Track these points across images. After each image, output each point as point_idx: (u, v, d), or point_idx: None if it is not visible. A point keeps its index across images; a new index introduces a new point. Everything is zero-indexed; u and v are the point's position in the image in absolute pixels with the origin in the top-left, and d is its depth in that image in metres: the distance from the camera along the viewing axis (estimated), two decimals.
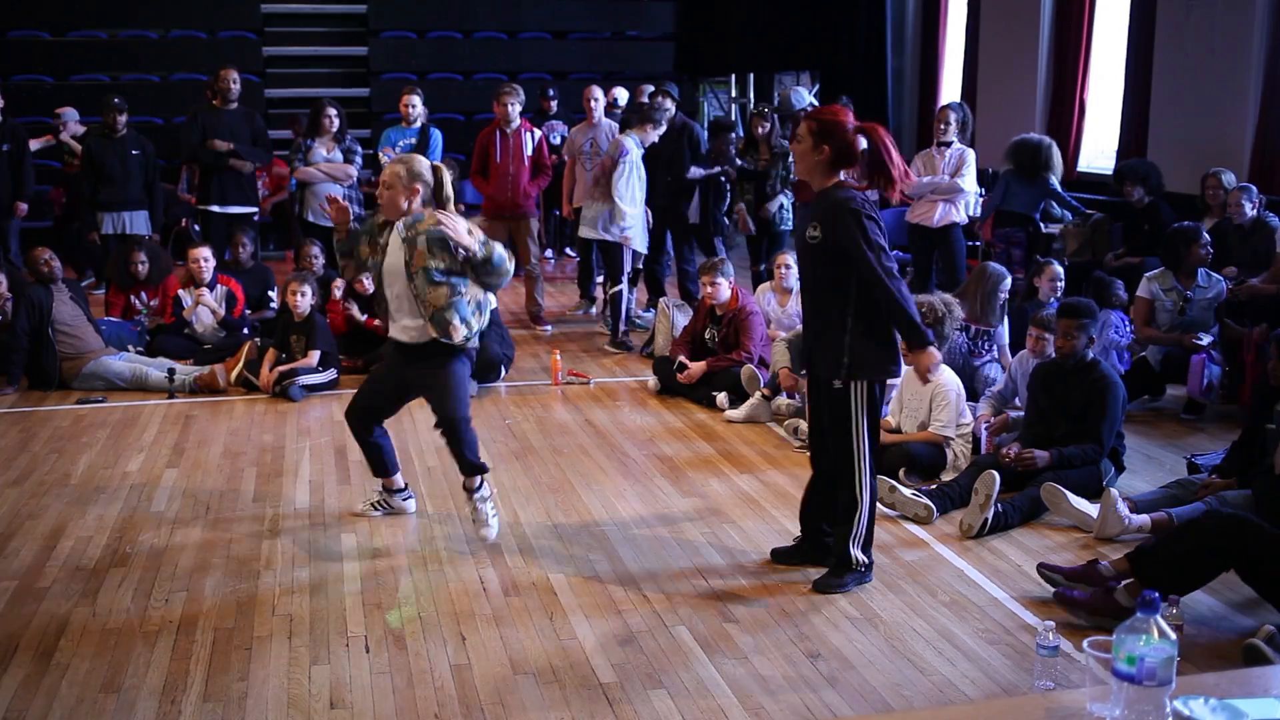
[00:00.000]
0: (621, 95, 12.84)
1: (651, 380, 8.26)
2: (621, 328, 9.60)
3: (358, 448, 6.70)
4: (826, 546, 5.07)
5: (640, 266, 10.12)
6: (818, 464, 5.12)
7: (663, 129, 9.58)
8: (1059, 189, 9.81)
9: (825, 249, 4.71)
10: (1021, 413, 6.48)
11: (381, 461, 5.73)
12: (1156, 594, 2.25)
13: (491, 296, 5.48)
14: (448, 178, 5.40)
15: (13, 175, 10.66)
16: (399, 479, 5.83)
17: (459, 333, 5.26)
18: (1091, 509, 5.50)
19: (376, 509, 5.81)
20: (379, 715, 3.94)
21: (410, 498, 5.86)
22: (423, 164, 5.36)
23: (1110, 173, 10.10)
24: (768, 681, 4.15)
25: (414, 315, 5.31)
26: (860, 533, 4.90)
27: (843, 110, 4.87)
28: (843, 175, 4.77)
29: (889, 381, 6.77)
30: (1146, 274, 7.99)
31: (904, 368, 6.63)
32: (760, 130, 10.09)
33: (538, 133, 10.32)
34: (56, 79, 14.87)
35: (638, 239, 9.51)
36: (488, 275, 5.25)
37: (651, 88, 12.06)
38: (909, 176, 4.88)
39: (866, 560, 4.95)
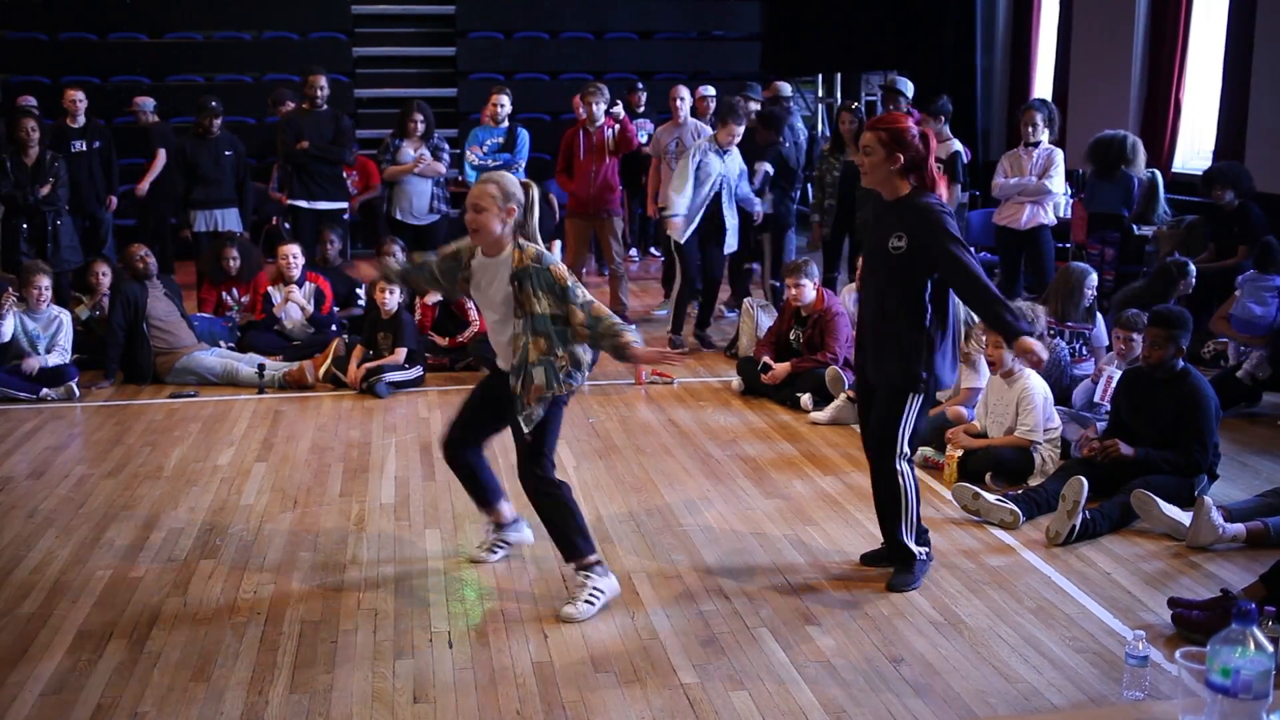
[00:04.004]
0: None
1: (736, 381, 8.24)
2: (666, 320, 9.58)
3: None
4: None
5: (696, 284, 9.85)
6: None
7: (743, 125, 9.50)
8: (1158, 183, 9.61)
9: (910, 258, 4.68)
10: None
11: (479, 491, 5.17)
12: (1253, 605, 2.20)
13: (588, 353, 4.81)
14: (536, 195, 4.78)
15: (104, 171, 10.92)
16: (507, 510, 5.22)
17: (535, 396, 4.67)
18: (1184, 517, 5.39)
19: (494, 550, 5.25)
20: (461, 711, 3.97)
21: (523, 526, 5.26)
22: (514, 183, 4.74)
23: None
24: (850, 685, 4.11)
25: (505, 356, 4.81)
26: (911, 524, 4.90)
27: (902, 116, 4.86)
28: (913, 181, 4.74)
29: (973, 386, 6.76)
30: (1249, 274, 7.82)
31: (986, 374, 6.58)
32: (847, 127, 9.98)
33: (618, 126, 10.33)
34: (153, 79, 15.18)
35: (675, 229, 9.38)
36: (599, 342, 4.68)
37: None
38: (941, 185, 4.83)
39: (925, 550, 4.97)
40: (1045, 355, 4.74)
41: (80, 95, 10.92)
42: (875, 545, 5.23)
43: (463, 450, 5.08)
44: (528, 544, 5.26)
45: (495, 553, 5.23)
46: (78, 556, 5.31)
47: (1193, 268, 7.66)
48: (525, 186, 4.77)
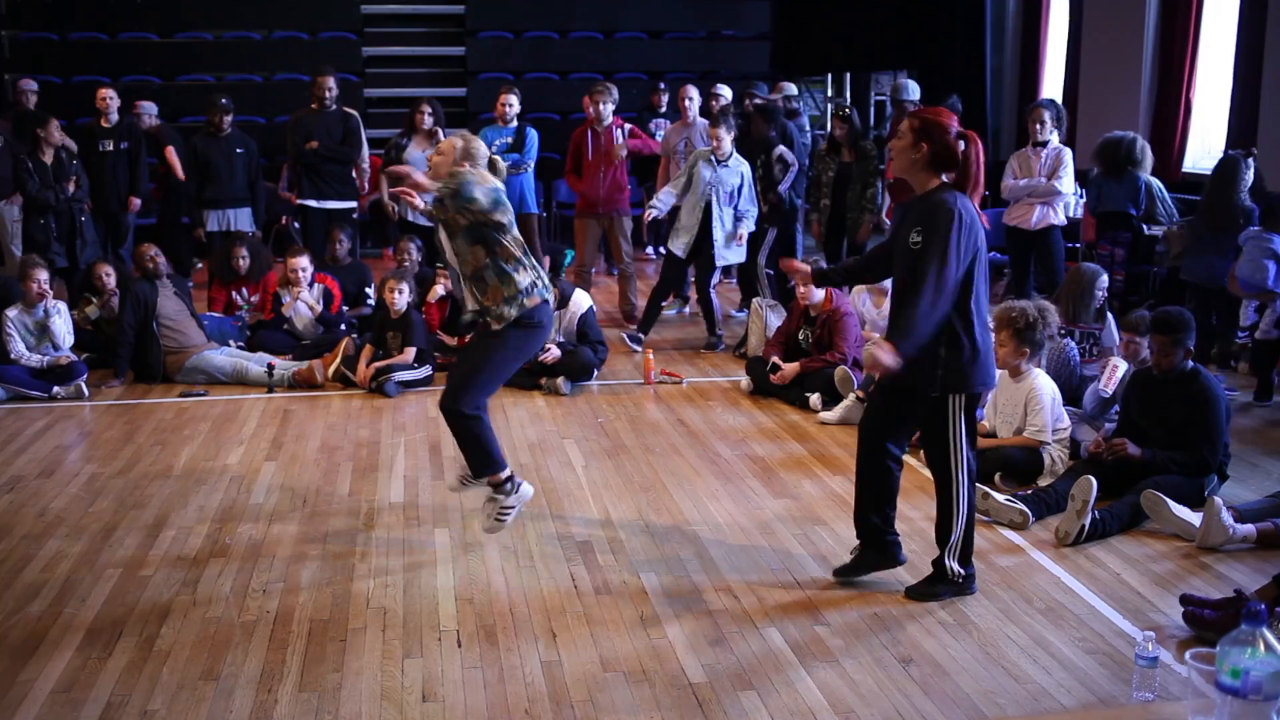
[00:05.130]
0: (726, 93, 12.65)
1: (745, 381, 8.23)
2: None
3: (453, 444, 6.77)
4: (888, 546, 4.94)
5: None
6: (867, 462, 4.92)
7: (727, 131, 9.40)
8: (1157, 186, 9.59)
9: (925, 254, 4.57)
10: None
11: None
12: (1262, 605, 2.19)
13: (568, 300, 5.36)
14: (502, 168, 5.40)
15: (130, 172, 10.94)
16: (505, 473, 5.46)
17: (496, 298, 5.18)
18: (1194, 518, 5.37)
19: (463, 484, 5.56)
20: (470, 710, 3.98)
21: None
22: (481, 147, 5.34)
23: None
24: (859, 686, 4.11)
25: (469, 293, 5.30)
26: (956, 545, 4.79)
27: (946, 113, 4.77)
28: (944, 178, 4.69)
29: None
30: (1252, 230, 7.78)
31: (997, 373, 6.56)
32: (840, 132, 9.97)
33: (628, 126, 10.33)
34: (164, 79, 15.23)
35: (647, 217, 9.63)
36: (461, 207, 5.06)
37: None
38: (980, 191, 4.74)
39: (964, 572, 4.83)
40: (887, 364, 4.47)
41: (112, 94, 10.93)
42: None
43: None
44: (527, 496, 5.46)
45: (465, 486, 5.57)
46: (88, 555, 5.32)
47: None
48: (492, 161, 5.32)
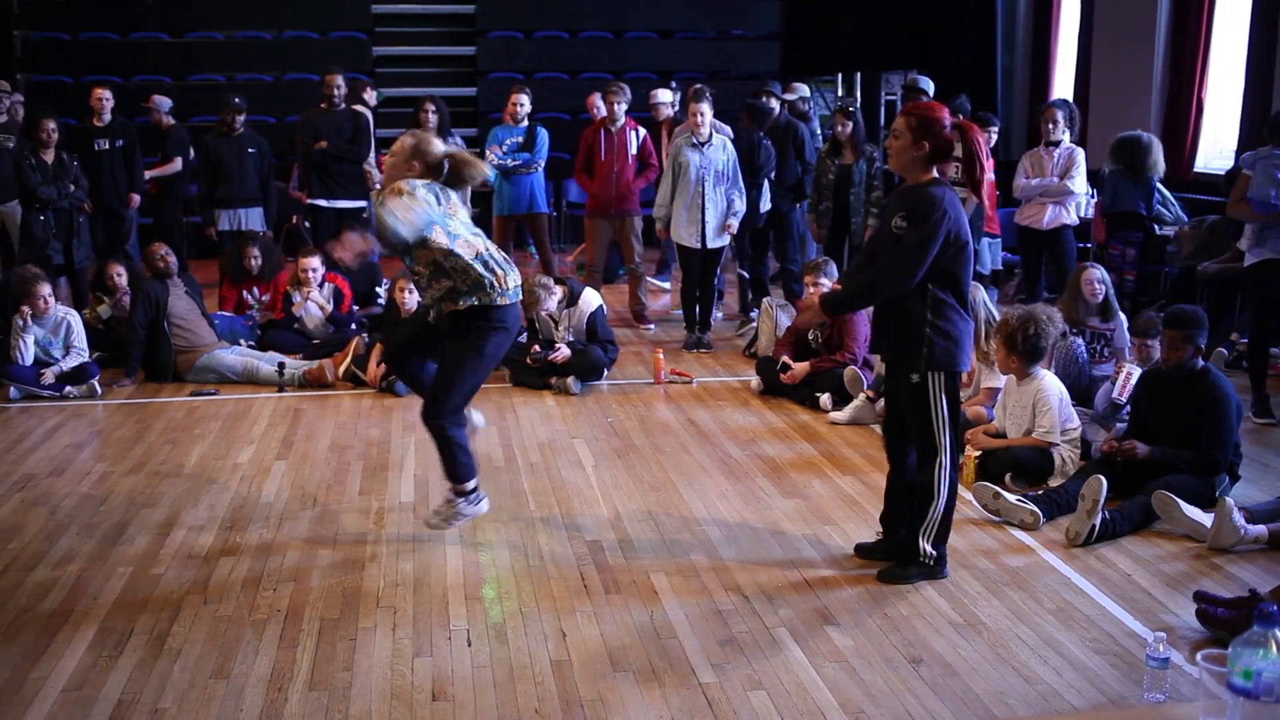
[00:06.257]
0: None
1: (754, 380, 8.23)
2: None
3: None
4: (903, 545, 5.04)
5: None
6: (893, 458, 5.08)
7: (705, 105, 9.39)
8: (1161, 189, 9.56)
9: None
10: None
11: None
12: (1274, 607, 2.18)
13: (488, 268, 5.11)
14: (483, 167, 5.24)
15: (127, 169, 10.97)
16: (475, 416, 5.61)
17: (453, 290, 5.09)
18: (1205, 519, 5.36)
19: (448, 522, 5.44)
20: (480, 708, 3.98)
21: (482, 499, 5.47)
22: (435, 146, 5.17)
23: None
24: (869, 685, 4.11)
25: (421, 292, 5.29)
26: (933, 526, 4.88)
27: (939, 106, 4.85)
28: (935, 171, 4.77)
29: (993, 386, 6.75)
30: (1257, 151, 7.59)
31: (1003, 375, 6.56)
32: (841, 129, 9.91)
33: (642, 131, 10.35)
34: (175, 79, 15.26)
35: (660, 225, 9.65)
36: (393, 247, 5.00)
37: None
38: (989, 184, 4.83)
39: (935, 554, 4.92)
40: (811, 316, 5.10)
41: (107, 94, 10.97)
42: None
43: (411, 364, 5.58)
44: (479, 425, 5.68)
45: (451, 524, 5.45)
46: (99, 554, 5.33)
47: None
48: (449, 156, 5.16)
